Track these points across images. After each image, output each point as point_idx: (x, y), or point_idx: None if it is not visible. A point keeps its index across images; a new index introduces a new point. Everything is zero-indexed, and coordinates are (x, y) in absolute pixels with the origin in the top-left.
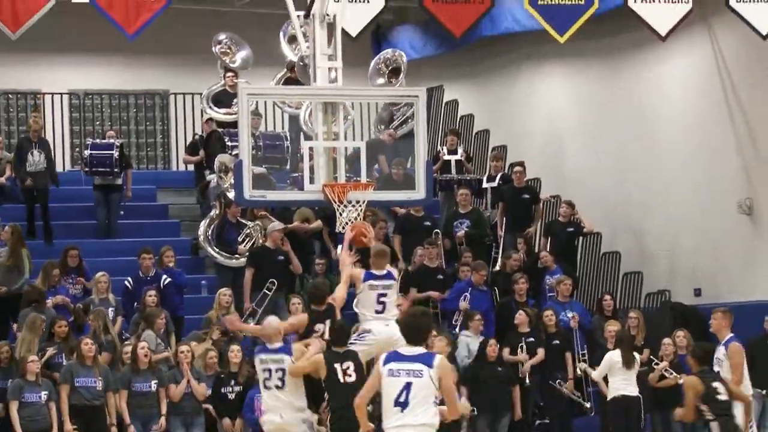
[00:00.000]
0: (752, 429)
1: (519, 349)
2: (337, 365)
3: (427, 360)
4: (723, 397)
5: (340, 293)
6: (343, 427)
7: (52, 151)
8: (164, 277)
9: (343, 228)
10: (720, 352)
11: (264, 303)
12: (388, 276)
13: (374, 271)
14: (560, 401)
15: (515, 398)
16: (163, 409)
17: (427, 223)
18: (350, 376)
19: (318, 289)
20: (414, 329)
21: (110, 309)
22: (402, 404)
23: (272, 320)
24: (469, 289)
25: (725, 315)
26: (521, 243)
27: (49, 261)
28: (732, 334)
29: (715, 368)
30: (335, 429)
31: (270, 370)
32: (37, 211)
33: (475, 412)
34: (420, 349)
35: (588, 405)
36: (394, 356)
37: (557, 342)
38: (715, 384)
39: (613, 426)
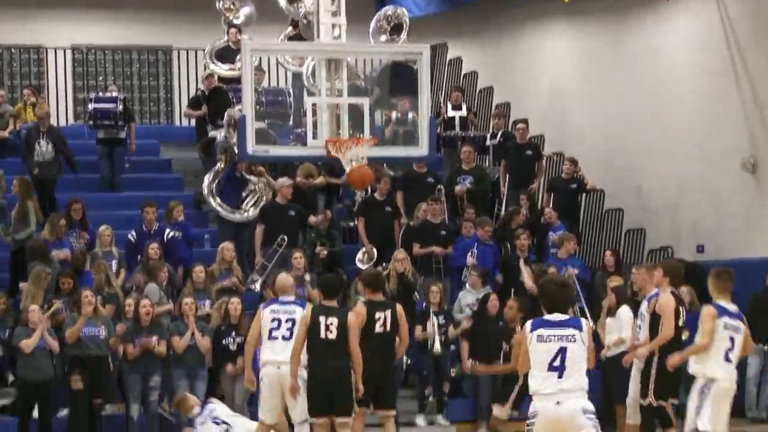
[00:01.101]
0: None
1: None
2: (322, 318)
3: (577, 324)
4: None
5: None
6: (314, 382)
7: (61, 138)
8: (168, 230)
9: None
10: (642, 307)
11: (274, 258)
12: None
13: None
14: None
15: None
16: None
17: (430, 180)
18: (331, 332)
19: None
20: (560, 300)
21: (113, 262)
22: (558, 369)
23: (287, 275)
24: (476, 244)
25: (649, 270)
26: (524, 199)
27: (55, 213)
28: (656, 290)
29: (638, 322)
30: (308, 383)
31: (279, 320)
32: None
33: (477, 365)
34: (565, 315)
35: None
36: (542, 323)
37: None
38: None
39: (618, 382)
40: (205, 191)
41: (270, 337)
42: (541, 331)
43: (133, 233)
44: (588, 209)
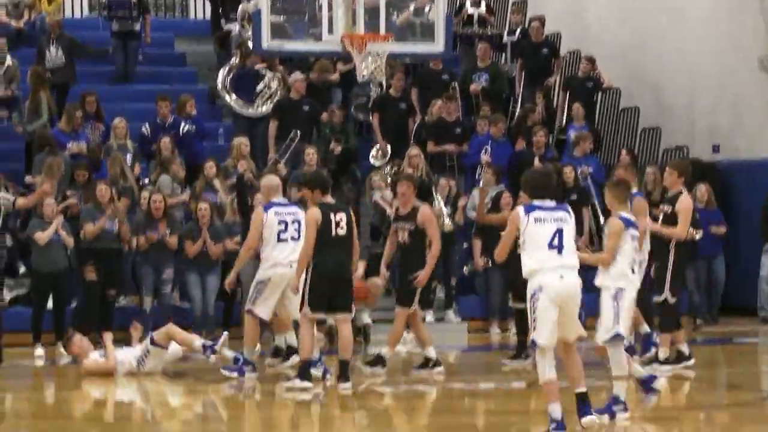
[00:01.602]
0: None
1: None
2: (331, 216)
3: (566, 209)
4: None
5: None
6: (322, 278)
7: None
8: (182, 124)
9: (364, 76)
10: None
11: (287, 153)
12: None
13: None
14: None
15: None
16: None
17: (445, 77)
18: (342, 228)
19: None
20: (543, 187)
21: (128, 154)
22: (557, 247)
23: (273, 176)
24: (489, 142)
25: (627, 170)
26: (539, 97)
27: (72, 104)
28: (636, 190)
29: None
30: (314, 278)
31: (286, 222)
32: None
33: (490, 264)
34: (553, 202)
35: None
36: (535, 207)
37: (575, 197)
38: None
39: None
40: (220, 86)
41: (279, 240)
42: (537, 213)
43: (147, 126)
44: (604, 108)
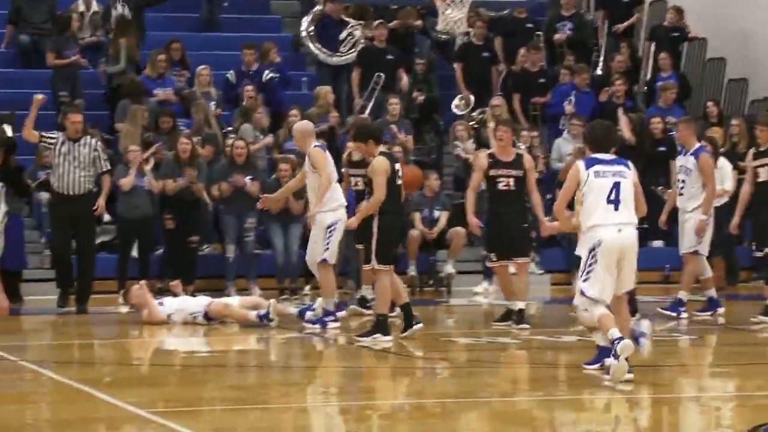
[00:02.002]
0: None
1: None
2: (395, 165)
3: (625, 163)
4: None
5: None
6: (389, 230)
7: None
8: (266, 72)
9: (444, 26)
10: (689, 161)
11: (372, 98)
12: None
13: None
14: (661, 207)
15: None
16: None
17: (530, 25)
18: (400, 178)
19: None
20: (605, 140)
21: (212, 102)
22: (614, 202)
23: (306, 122)
24: (573, 92)
25: (688, 124)
26: (625, 46)
27: (156, 49)
28: (700, 144)
29: (680, 177)
30: (382, 230)
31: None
32: None
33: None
34: (612, 155)
35: None
36: (595, 161)
37: (663, 149)
38: None
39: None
40: (303, 34)
41: (337, 180)
42: (597, 167)
43: (232, 73)
44: (689, 58)
